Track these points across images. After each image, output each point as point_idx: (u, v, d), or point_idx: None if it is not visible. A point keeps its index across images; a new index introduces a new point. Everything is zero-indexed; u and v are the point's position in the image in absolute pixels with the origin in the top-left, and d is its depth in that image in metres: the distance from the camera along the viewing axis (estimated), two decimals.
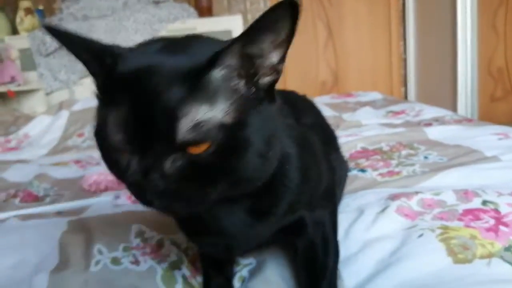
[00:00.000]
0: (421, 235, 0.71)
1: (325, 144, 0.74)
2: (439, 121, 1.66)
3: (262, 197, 0.55)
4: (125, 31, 2.85)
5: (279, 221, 0.59)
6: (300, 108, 0.75)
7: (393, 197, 0.83)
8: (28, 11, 2.92)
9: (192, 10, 3.06)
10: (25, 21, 2.90)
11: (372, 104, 2.11)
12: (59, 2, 3.03)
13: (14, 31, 2.93)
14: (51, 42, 2.77)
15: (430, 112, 1.84)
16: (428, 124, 1.61)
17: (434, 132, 1.40)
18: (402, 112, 1.91)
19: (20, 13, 2.90)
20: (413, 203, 0.81)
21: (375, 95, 2.36)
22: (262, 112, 0.46)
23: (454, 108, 3.23)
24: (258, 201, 0.56)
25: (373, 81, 3.31)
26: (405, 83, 3.60)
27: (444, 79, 3.32)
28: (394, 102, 2.20)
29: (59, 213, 0.96)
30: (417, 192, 0.83)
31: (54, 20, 2.80)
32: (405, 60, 3.53)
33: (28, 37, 2.81)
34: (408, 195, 0.82)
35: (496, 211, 0.74)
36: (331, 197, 0.72)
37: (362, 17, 3.23)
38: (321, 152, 0.69)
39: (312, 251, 0.66)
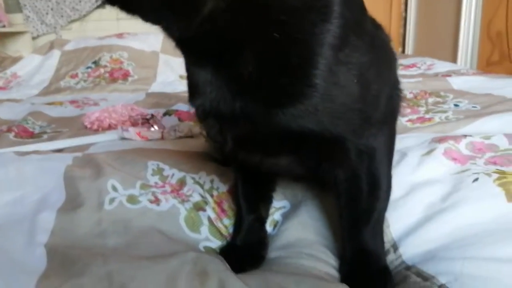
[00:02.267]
0: (476, 179, 0.64)
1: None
2: (456, 73, 1.57)
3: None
4: None
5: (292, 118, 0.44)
6: None
7: (439, 140, 0.75)
8: None
9: None
10: None
11: None
12: None
13: None
14: None
15: (443, 66, 1.76)
16: (447, 75, 1.53)
17: (457, 82, 1.31)
18: (413, 65, 1.83)
19: None
20: (462, 146, 0.73)
21: None
22: None
23: None
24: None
25: None
26: (403, 43, 3.51)
27: (444, 40, 3.23)
28: (403, 56, 2.10)
29: (60, 151, 0.86)
30: (465, 135, 0.75)
31: None
32: (405, 19, 3.42)
33: None
34: (455, 138, 0.74)
35: None
36: (389, 118, 0.55)
37: None
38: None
39: (355, 187, 0.53)
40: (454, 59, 3.15)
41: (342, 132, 0.47)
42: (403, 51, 3.53)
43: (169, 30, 0.42)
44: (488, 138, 0.75)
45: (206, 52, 0.44)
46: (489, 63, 5.10)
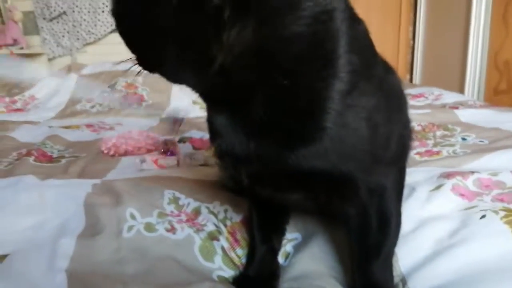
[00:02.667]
0: (483, 216, 0.65)
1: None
2: (464, 105, 1.60)
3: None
4: None
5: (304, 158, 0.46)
6: None
7: (447, 175, 0.77)
8: None
9: None
10: None
11: None
12: None
13: None
14: (55, 6, 2.66)
15: (450, 97, 1.79)
16: (454, 107, 1.55)
17: (465, 114, 1.34)
18: (421, 95, 1.86)
19: None
20: (469, 183, 0.75)
21: None
22: None
23: None
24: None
25: None
26: (411, 70, 3.57)
27: (451, 69, 3.27)
28: (411, 86, 2.13)
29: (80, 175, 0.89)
30: (472, 172, 0.77)
31: None
32: (412, 47, 3.49)
33: None
34: (463, 174, 0.76)
35: None
36: (400, 158, 0.58)
37: (373, 0, 3.16)
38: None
39: (365, 223, 0.55)
40: (461, 88, 3.18)
41: (352, 171, 0.49)
42: (411, 79, 3.58)
43: (189, 86, 0.47)
44: (495, 174, 0.77)
45: (221, 100, 0.47)
46: (496, 92, 5.12)
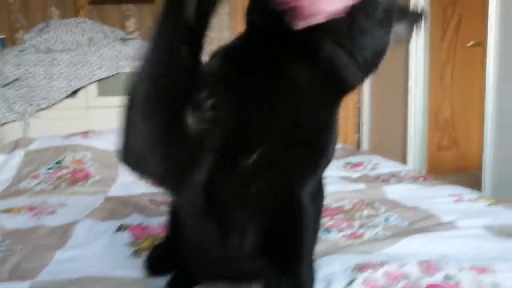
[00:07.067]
0: None
1: None
2: (396, 177, 1.73)
3: None
4: (89, 66, 2.80)
5: None
6: None
7: (360, 268, 0.84)
8: None
9: None
10: None
11: None
12: (22, 32, 2.97)
13: None
14: (8, 73, 2.68)
15: (386, 166, 1.93)
16: (386, 179, 1.68)
17: (392, 191, 1.46)
18: (360, 164, 1.98)
19: None
20: (379, 275, 0.82)
21: None
22: None
23: (404, 156, 3.42)
24: None
25: None
26: (358, 130, 3.80)
27: (395, 128, 3.50)
28: (352, 152, 2.27)
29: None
30: (382, 264, 0.85)
31: (15, 51, 2.71)
32: (359, 108, 3.74)
33: None
34: (374, 267, 0.84)
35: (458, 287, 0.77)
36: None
37: None
38: None
39: None
40: (405, 146, 3.40)
41: None
42: (359, 139, 3.80)
43: None
44: (402, 266, 0.85)
45: None
46: (440, 149, 5.43)
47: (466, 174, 4.34)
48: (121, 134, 0.57)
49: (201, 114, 0.54)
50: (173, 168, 0.56)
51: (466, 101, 4.39)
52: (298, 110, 0.58)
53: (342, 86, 0.60)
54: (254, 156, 0.56)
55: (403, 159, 3.25)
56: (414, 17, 0.68)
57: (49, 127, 2.76)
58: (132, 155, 0.58)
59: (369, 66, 0.59)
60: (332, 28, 0.55)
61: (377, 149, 3.45)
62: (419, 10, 0.72)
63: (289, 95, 0.58)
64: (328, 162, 0.65)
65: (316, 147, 0.60)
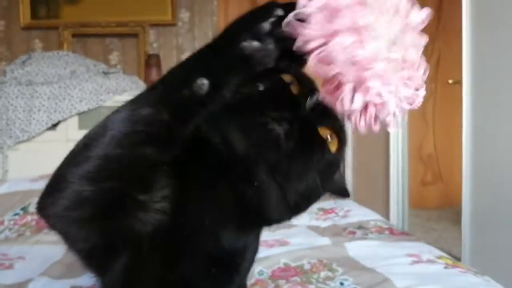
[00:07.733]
0: None
1: None
2: (362, 228, 1.75)
3: None
4: (70, 99, 2.82)
5: None
6: None
7: None
8: None
9: (141, 83, 3.10)
10: None
11: None
12: (4, 63, 2.99)
13: None
14: None
15: (357, 214, 1.94)
16: (352, 232, 1.70)
17: (353, 248, 1.47)
18: (332, 211, 2.00)
19: None
20: None
21: None
22: None
23: (387, 192, 3.43)
24: None
25: None
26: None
27: (377, 164, 3.52)
28: (327, 196, 2.28)
29: None
30: None
31: None
32: None
33: None
34: None
35: None
36: None
37: None
38: None
39: None
40: (387, 181, 3.42)
41: None
42: None
43: None
44: None
45: None
46: (423, 184, 5.45)
47: (452, 208, 4.38)
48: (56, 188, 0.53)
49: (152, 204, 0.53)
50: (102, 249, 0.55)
51: (449, 136, 4.46)
52: (218, 231, 0.59)
53: (264, 222, 0.62)
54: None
55: (386, 195, 3.27)
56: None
57: (28, 160, 2.77)
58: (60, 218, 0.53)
59: (298, 209, 0.61)
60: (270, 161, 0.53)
61: (360, 185, 3.47)
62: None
63: (213, 214, 0.59)
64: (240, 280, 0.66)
65: (231, 265, 0.61)
